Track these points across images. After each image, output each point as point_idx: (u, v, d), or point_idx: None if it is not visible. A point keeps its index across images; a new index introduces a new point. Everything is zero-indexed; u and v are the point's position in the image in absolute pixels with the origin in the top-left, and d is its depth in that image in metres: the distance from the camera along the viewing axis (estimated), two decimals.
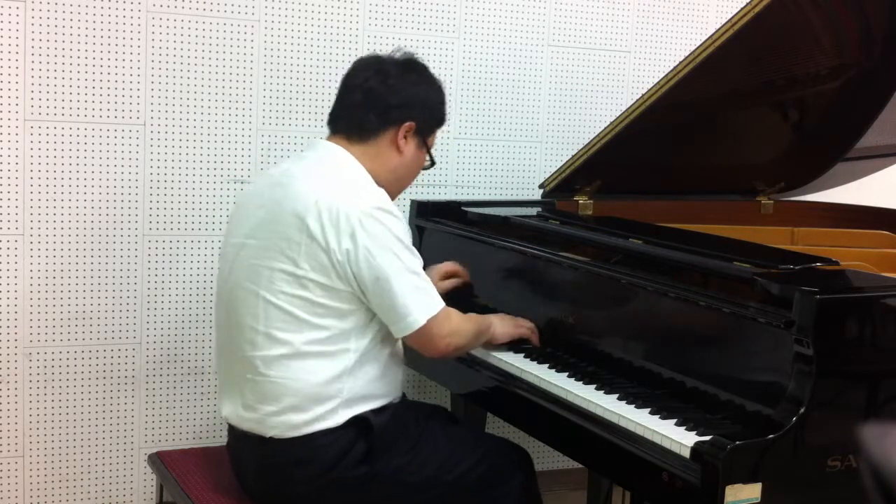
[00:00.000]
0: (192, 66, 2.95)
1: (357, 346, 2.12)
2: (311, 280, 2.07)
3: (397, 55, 2.28)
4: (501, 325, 2.36)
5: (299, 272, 2.07)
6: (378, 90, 2.22)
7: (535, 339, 2.39)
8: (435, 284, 2.24)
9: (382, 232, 2.07)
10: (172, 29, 2.92)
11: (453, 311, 2.20)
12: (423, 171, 2.38)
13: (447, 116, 2.36)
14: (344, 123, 2.24)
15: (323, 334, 2.09)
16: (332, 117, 2.28)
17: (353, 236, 2.05)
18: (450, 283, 2.56)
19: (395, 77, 2.23)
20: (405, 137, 2.23)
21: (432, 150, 2.33)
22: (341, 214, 2.05)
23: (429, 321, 2.11)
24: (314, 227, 2.05)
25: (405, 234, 2.13)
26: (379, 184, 2.19)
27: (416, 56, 2.31)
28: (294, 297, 2.08)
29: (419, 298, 2.10)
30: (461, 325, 2.22)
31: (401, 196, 3.14)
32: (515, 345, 2.38)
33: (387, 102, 2.21)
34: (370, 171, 2.19)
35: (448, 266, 2.58)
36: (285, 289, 2.08)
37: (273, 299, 2.09)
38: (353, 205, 2.06)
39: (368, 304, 2.10)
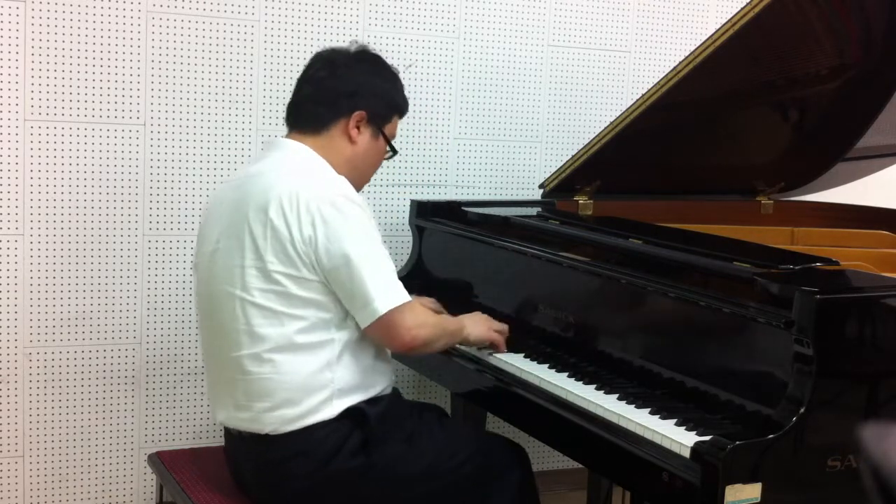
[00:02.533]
0: (192, 66, 2.95)
1: (340, 335, 2.12)
2: (279, 272, 2.07)
3: (352, 48, 2.29)
4: (474, 326, 2.33)
5: (268, 266, 2.07)
6: (326, 81, 2.23)
7: (502, 346, 2.35)
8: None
9: (344, 220, 2.07)
10: (172, 29, 2.92)
11: (419, 305, 2.19)
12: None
13: (406, 105, 2.35)
14: (297, 117, 2.25)
15: (302, 324, 2.09)
16: (287, 113, 2.28)
17: (313, 224, 2.05)
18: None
19: (344, 67, 2.24)
20: (357, 127, 2.23)
21: (395, 140, 2.32)
22: (301, 203, 2.06)
23: (391, 311, 2.08)
24: (276, 218, 2.06)
25: (369, 222, 2.12)
26: (340, 175, 2.18)
27: (368, 47, 2.32)
28: (267, 292, 2.08)
29: (382, 287, 2.08)
30: (427, 319, 2.19)
31: (401, 196, 3.18)
32: (514, 345, 2.37)
33: (335, 92, 2.22)
34: (329, 163, 2.19)
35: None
36: (257, 284, 2.09)
37: (248, 297, 2.10)
38: (314, 193, 2.07)
39: (335, 292, 2.10)
